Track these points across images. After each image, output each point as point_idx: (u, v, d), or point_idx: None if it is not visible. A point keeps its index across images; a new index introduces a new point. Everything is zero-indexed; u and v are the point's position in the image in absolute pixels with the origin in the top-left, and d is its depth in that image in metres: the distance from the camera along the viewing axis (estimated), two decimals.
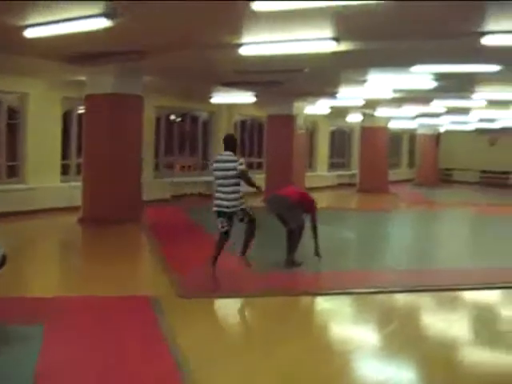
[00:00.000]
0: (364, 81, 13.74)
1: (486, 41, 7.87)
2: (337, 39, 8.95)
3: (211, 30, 9.01)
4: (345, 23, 8.37)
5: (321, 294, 7.83)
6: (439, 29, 8.15)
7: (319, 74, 13.48)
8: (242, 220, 8.38)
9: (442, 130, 30.70)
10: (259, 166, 21.90)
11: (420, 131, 30.40)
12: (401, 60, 10.55)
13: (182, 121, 19.96)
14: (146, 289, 7.78)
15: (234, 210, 8.27)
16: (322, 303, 7.63)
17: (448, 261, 10.29)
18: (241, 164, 8.19)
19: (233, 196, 8.24)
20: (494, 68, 10.22)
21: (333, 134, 27.77)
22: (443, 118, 24.18)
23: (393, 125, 25.93)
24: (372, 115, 23.56)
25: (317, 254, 9.34)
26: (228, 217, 8.32)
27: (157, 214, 15.20)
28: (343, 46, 9.27)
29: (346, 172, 28.51)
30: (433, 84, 13.03)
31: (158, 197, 17.63)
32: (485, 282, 8.51)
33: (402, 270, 9.43)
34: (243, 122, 21.90)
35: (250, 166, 21.50)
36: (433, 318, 7.00)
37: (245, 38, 9.38)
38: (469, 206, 20.61)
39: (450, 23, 7.86)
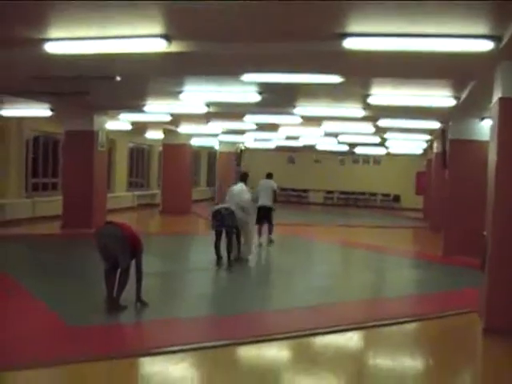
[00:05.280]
0: (179, 92, 12.34)
1: (348, 43, 6.85)
2: (168, 37, 7.51)
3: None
4: (179, 18, 6.96)
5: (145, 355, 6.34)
6: (292, 27, 6.99)
7: (130, 84, 11.89)
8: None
9: (243, 147, 30.15)
10: (54, 186, 19.66)
11: (221, 149, 29.41)
12: (235, 66, 9.25)
13: None
14: None
15: None
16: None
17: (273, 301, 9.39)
18: None
19: None
20: (335, 79, 9.28)
21: (131, 151, 26.11)
22: (248, 134, 23.48)
23: (194, 142, 24.81)
24: (174, 132, 22.27)
25: (139, 299, 8.02)
26: None
27: None
28: (175, 47, 7.83)
29: (147, 192, 26.96)
30: (257, 97, 11.95)
31: None
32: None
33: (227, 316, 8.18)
34: (36, 139, 19.29)
35: (44, 186, 19.25)
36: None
37: (53, 32, 7.58)
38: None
39: (301, 21, 6.72)
